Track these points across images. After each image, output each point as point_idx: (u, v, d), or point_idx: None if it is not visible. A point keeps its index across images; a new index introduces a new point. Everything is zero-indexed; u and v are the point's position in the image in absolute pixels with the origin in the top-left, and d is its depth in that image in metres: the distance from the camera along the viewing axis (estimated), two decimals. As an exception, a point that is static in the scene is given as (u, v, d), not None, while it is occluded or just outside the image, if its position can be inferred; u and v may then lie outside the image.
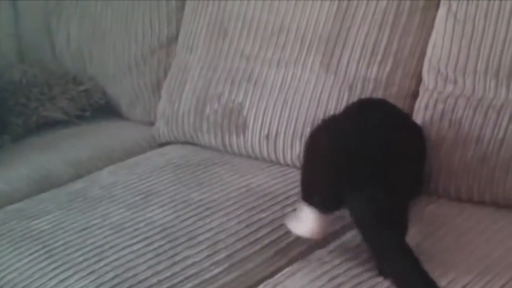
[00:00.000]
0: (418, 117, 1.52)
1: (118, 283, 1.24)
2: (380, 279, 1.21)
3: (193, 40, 1.82)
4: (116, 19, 2.01)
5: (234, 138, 1.71)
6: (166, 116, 1.84)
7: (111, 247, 1.34)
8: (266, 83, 1.69)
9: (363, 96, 1.56)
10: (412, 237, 1.30)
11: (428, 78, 1.53)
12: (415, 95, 1.57)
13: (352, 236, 1.35)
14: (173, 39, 1.93)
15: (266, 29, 1.70)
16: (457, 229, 1.35)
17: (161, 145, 1.86)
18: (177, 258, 1.30)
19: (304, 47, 1.65)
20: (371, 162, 1.26)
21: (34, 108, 1.92)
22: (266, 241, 1.36)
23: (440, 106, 1.49)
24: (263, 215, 1.43)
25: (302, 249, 1.35)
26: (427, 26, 1.55)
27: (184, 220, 1.42)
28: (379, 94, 1.56)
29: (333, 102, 1.59)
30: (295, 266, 1.29)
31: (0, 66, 2.05)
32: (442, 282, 1.17)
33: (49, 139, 1.88)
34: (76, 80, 2.04)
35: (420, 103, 1.53)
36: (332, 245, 1.34)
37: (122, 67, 2.00)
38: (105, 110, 2.02)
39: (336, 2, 1.61)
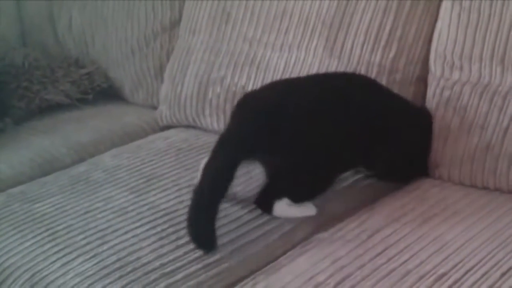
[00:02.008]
0: (428, 105, 1.52)
1: (121, 266, 1.24)
2: (383, 260, 1.21)
3: (195, 24, 1.82)
4: (118, 3, 2.01)
5: (236, 122, 1.71)
6: (168, 100, 1.84)
7: (114, 231, 1.34)
8: (269, 67, 1.69)
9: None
10: (415, 218, 1.33)
11: (434, 66, 1.53)
12: (419, 81, 1.57)
13: (354, 218, 1.36)
14: (176, 23, 1.92)
15: (269, 12, 1.69)
16: (461, 212, 1.36)
17: (164, 128, 1.87)
18: (180, 242, 1.30)
19: (308, 31, 1.64)
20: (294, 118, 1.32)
21: (36, 91, 1.92)
22: (269, 226, 1.36)
23: (446, 93, 1.50)
24: (266, 199, 1.43)
25: (305, 233, 1.36)
26: (431, 13, 1.55)
27: (188, 204, 1.40)
28: (383, 80, 1.56)
29: (337, 87, 1.59)
30: (297, 249, 1.29)
31: (2, 50, 2.04)
32: (446, 266, 1.18)
33: (51, 122, 1.88)
34: (79, 64, 2.04)
35: (429, 92, 1.53)
36: (334, 228, 1.34)
37: (124, 51, 1.99)
38: (108, 93, 2.02)
39: (341, -15, 1.61)
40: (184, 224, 1.34)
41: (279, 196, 1.38)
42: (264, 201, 1.39)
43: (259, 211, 1.40)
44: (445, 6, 1.52)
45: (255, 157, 1.38)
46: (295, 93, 1.38)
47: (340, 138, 1.37)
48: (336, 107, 1.38)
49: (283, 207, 1.38)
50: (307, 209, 1.40)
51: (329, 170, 1.40)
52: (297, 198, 1.39)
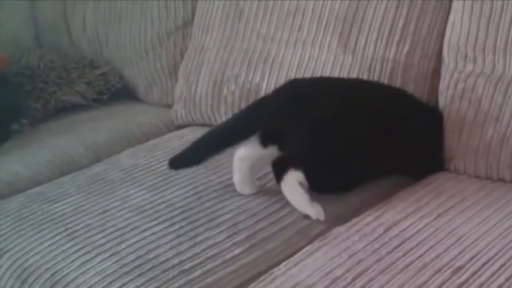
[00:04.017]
0: (441, 98, 1.52)
1: (140, 265, 1.25)
2: (400, 253, 1.21)
3: (209, 22, 1.82)
4: (132, 3, 2.02)
5: (252, 119, 1.71)
6: (183, 99, 1.85)
7: (132, 229, 1.35)
8: (283, 64, 1.69)
9: (382, 77, 1.57)
10: (431, 212, 1.33)
11: (448, 58, 1.53)
12: (435, 74, 1.56)
13: (370, 212, 1.36)
14: (189, 21, 1.93)
15: (282, 9, 1.70)
16: (477, 205, 1.36)
17: (179, 127, 1.87)
18: (198, 239, 1.31)
19: (321, 28, 1.65)
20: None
21: (52, 92, 1.93)
22: (286, 222, 1.37)
23: (460, 86, 1.49)
24: (283, 196, 1.42)
25: (322, 229, 1.36)
26: (444, 6, 1.55)
27: (205, 202, 1.43)
28: (398, 75, 1.56)
29: (352, 83, 1.59)
30: (315, 244, 1.29)
31: (18, 52, 2.06)
32: (462, 259, 1.18)
33: (67, 123, 1.89)
34: (93, 64, 2.05)
35: (442, 85, 1.52)
36: (351, 222, 1.34)
37: (138, 50, 2.00)
38: (123, 93, 2.02)
39: (353, -20, 1.61)
40: (202, 222, 1.36)
41: (297, 165, 1.37)
42: (280, 164, 1.39)
43: (276, 207, 1.40)
44: (458, -3, 1.51)
45: (279, 132, 1.39)
46: (338, 87, 1.46)
47: (366, 140, 1.39)
48: (367, 111, 1.41)
49: (292, 183, 1.36)
50: (313, 208, 1.37)
51: (355, 166, 1.40)
52: (314, 178, 1.37)
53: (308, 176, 1.36)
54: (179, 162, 1.49)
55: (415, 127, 1.47)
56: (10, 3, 2.17)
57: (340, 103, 1.41)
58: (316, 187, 1.38)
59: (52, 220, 1.41)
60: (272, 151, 1.40)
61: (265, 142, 1.40)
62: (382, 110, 1.43)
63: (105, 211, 1.42)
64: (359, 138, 1.39)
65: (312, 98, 1.40)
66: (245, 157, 1.43)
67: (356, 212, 1.38)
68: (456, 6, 1.51)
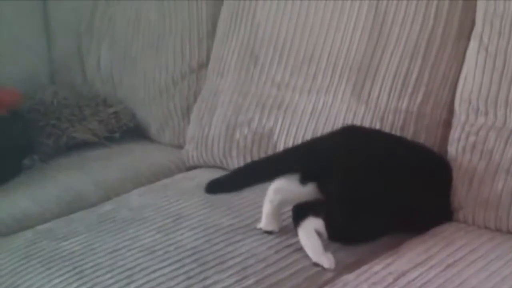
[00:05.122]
0: (451, 149, 1.53)
1: (149, 306, 1.25)
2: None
3: (223, 66, 1.84)
4: (147, 44, 2.04)
5: (264, 163, 1.72)
6: (195, 140, 1.86)
7: (141, 270, 1.35)
8: (297, 110, 1.70)
9: (394, 127, 1.58)
10: (440, 262, 1.33)
11: (459, 110, 1.54)
12: (446, 125, 1.57)
13: (379, 261, 1.36)
14: (203, 65, 1.95)
15: (298, 56, 1.71)
16: (486, 257, 1.36)
17: (190, 168, 1.88)
18: (207, 282, 1.31)
19: (336, 76, 1.66)
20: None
21: (64, 129, 1.94)
22: (295, 268, 1.36)
23: (472, 138, 1.50)
24: (293, 241, 1.43)
25: (331, 276, 1.36)
26: (458, 58, 1.56)
27: (214, 244, 1.43)
28: (410, 125, 1.57)
29: (364, 133, 1.60)
30: (323, 292, 1.29)
31: (32, 88, 2.08)
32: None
33: (78, 160, 1.90)
34: (106, 103, 2.06)
35: (453, 135, 1.53)
36: (360, 270, 1.34)
37: (152, 91, 2.02)
38: (135, 132, 2.03)
39: (368, 31, 1.62)
40: (211, 264, 1.36)
41: (318, 212, 1.37)
42: (300, 208, 1.40)
43: (286, 252, 1.40)
44: (471, 51, 1.53)
45: (321, 173, 1.40)
46: (385, 141, 1.51)
47: (389, 194, 1.41)
48: (393, 167, 1.44)
49: (310, 230, 1.37)
50: (326, 258, 1.37)
51: (377, 220, 1.40)
52: (334, 225, 1.37)
53: (328, 226, 1.37)
54: (216, 186, 1.50)
55: (429, 180, 1.48)
56: (26, 40, 2.20)
57: (380, 158, 1.43)
58: (335, 237, 1.39)
59: (61, 258, 1.41)
60: (309, 190, 1.40)
61: (305, 179, 1.40)
62: (406, 165, 1.45)
63: (114, 251, 1.42)
64: (385, 193, 1.40)
65: (358, 148, 1.42)
66: (281, 189, 1.43)
67: (365, 260, 1.38)
68: (469, 59, 1.53)
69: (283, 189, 1.43)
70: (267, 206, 1.44)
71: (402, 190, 1.42)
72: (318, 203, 1.39)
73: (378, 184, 1.40)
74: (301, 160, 1.43)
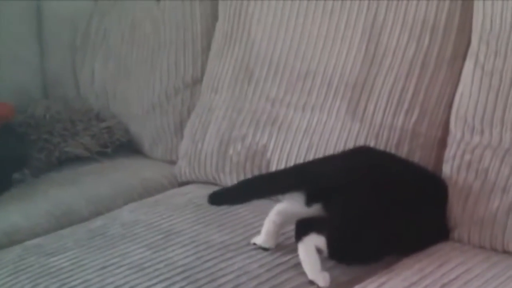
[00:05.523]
0: (446, 167, 1.52)
1: (138, 324, 1.24)
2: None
3: (218, 82, 1.83)
4: (141, 59, 2.03)
5: (257, 180, 1.71)
6: (188, 156, 1.85)
7: (131, 287, 1.33)
8: (291, 127, 1.70)
9: (389, 145, 1.57)
10: (435, 282, 1.32)
11: (455, 129, 1.54)
12: (441, 144, 1.57)
13: (373, 280, 1.35)
14: (197, 80, 1.94)
15: (292, 73, 1.71)
16: (482, 276, 1.35)
17: (182, 184, 1.87)
18: (197, 300, 1.29)
19: (330, 93, 1.66)
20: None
21: (56, 143, 1.93)
22: (288, 286, 1.35)
23: (467, 157, 1.50)
24: (285, 258, 1.42)
25: (324, 295, 1.34)
26: (454, 76, 1.56)
27: (206, 261, 1.41)
28: (405, 143, 1.57)
29: (359, 150, 1.60)
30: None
31: (25, 102, 2.07)
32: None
33: (70, 175, 1.89)
34: (99, 117, 2.05)
35: (448, 153, 1.53)
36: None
37: (145, 106, 2.01)
38: (127, 147, 2.03)
39: (363, 48, 1.62)
40: (202, 282, 1.34)
41: (321, 229, 1.36)
42: (304, 225, 1.39)
43: (278, 270, 1.39)
44: (467, 70, 1.53)
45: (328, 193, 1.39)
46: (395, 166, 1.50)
47: (391, 216, 1.41)
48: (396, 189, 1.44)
49: (310, 246, 1.36)
50: (321, 276, 1.35)
51: (379, 241, 1.39)
52: (336, 244, 1.36)
53: (330, 244, 1.35)
54: (219, 198, 1.50)
55: (425, 200, 1.48)
56: (20, 53, 2.19)
57: (389, 181, 1.43)
58: (336, 256, 1.37)
59: (49, 274, 1.39)
60: (313, 212, 1.39)
61: (310, 201, 1.39)
62: (409, 189, 1.45)
63: (103, 267, 1.40)
64: (385, 213, 1.39)
65: (369, 170, 1.42)
66: (285, 212, 1.42)
67: (359, 279, 1.37)
68: (465, 78, 1.53)
69: (287, 212, 1.42)
70: (270, 224, 1.44)
71: (402, 210, 1.42)
72: (322, 220, 1.37)
73: (379, 204, 1.39)
74: (308, 178, 1.42)
